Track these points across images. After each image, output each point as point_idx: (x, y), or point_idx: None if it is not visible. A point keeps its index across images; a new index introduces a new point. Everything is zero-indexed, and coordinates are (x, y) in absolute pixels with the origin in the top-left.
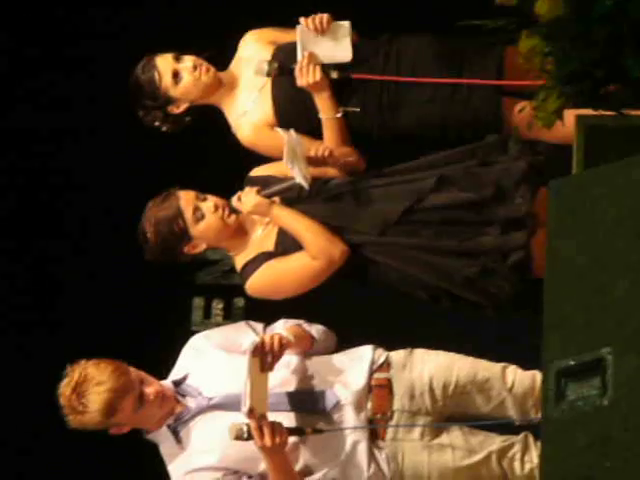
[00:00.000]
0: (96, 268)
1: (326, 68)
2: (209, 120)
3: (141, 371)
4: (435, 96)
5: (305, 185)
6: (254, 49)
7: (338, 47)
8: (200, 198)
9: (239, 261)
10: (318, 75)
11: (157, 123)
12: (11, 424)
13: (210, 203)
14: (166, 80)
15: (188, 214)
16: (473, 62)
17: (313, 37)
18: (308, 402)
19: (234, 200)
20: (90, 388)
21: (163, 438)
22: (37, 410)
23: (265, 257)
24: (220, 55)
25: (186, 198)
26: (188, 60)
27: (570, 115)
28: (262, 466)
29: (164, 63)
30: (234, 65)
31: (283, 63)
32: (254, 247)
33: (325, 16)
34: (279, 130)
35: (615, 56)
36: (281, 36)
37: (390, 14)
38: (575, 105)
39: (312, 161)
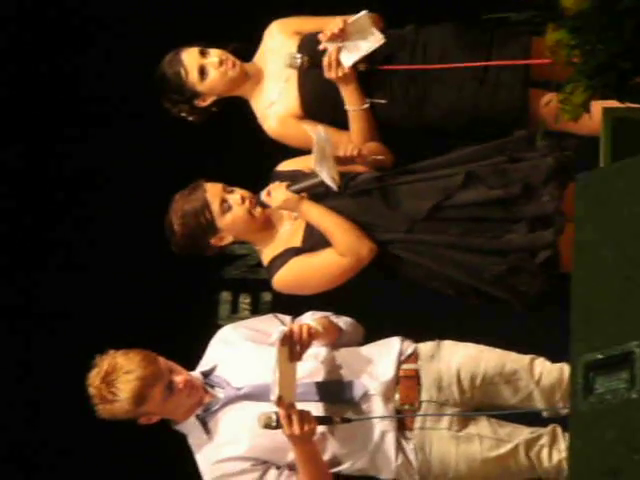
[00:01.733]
0: (125, 262)
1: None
2: (236, 112)
3: (170, 361)
4: (462, 87)
5: (334, 187)
6: (280, 40)
7: (367, 39)
8: (227, 190)
9: (266, 255)
10: (347, 68)
11: (183, 114)
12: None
13: (237, 195)
14: (192, 76)
15: (215, 206)
16: (500, 52)
17: (339, 43)
18: (336, 392)
19: (263, 195)
20: (119, 377)
21: (191, 428)
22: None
23: (292, 253)
24: (245, 47)
25: (213, 190)
26: (214, 55)
27: (597, 107)
28: (290, 457)
29: (190, 58)
30: (259, 56)
31: (313, 56)
32: (281, 242)
33: (338, 21)
34: (308, 128)
35: None
36: (306, 25)
37: (415, 6)
38: (602, 97)
39: (341, 160)
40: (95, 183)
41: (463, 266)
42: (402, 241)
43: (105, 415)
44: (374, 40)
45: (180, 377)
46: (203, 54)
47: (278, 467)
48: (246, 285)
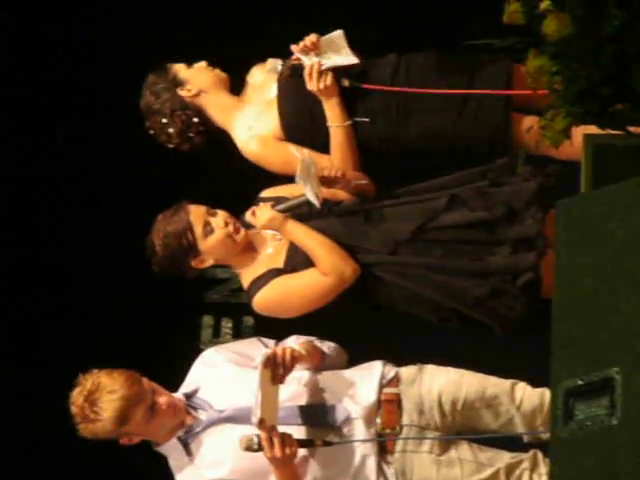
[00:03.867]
0: (106, 285)
1: (337, 75)
2: (217, 137)
3: (153, 382)
4: (444, 111)
5: (317, 204)
6: (262, 75)
7: (341, 56)
8: (210, 213)
9: (246, 278)
10: (329, 80)
11: (171, 144)
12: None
13: (220, 219)
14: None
15: (198, 228)
16: (482, 78)
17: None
18: (319, 416)
19: (248, 215)
20: (103, 396)
21: (173, 450)
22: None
23: (274, 274)
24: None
25: (196, 212)
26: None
27: (578, 133)
28: (269, 478)
29: None
30: (244, 93)
31: (295, 64)
32: (262, 265)
33: (312, 36)
34: (293, 149)
35: (622, 75)
36: None
37: (397, 33)
38: (583, 124)
39: (324, 181)
40: (77, 202)
41: (445, 288)
42: (385, 263)
43: (87, 434)
44: (348, 59)
45: (163, 398)
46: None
47: None
48: (228, 309)
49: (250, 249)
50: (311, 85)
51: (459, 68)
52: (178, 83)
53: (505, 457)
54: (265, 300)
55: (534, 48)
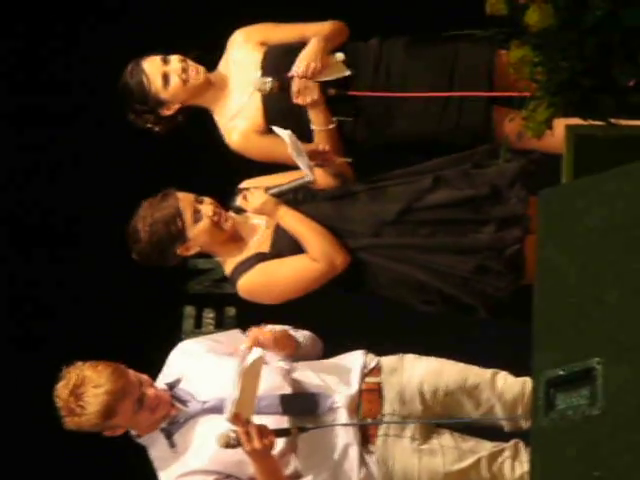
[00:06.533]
0: (87, 277)
1: (323, 85)
2: (199, 122)
3: (141, 373)
4: (427, 105)
5: (311, 176)
6: (244, 51)
7: (334, 70)
8: (198, 200)
9: (229, 265)
10: (316, 95)
11: (149, 125)
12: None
13: (208, 206)
14: (156, 84)
15: (187, 215)
16: (464, 70)
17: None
18: (302, 405)
19: (239, 199)
20: (88, 390)
21: (155, 441)
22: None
23: (259, 258)
24: (208, 55)
25: (185, 199)
26: (176, 61)
27: (560, 125)
28: (252, 470)
29: (152, 66)
30: (223, 66)
31: (282, 81)
32: (247, 251)
33: (317, 64)
34: (277, 130)
35: (604, 66)
36: (271, 34)
37: (379, 18)
38: (565, 115)
39: (312, 155)
40: (54, 196)
41: (431, 268)
42: (370, 246)
43: (72, 427)
44: (340, 72)
45: (151, 390)
46: (165, 62)
47: None
48: (210, 300)
49: (236, 238)
50: (298, 100)
51: (440, 60)
52: (159, 105)
53: (487, 446)
54: (250, 283)
55: (516, 39)
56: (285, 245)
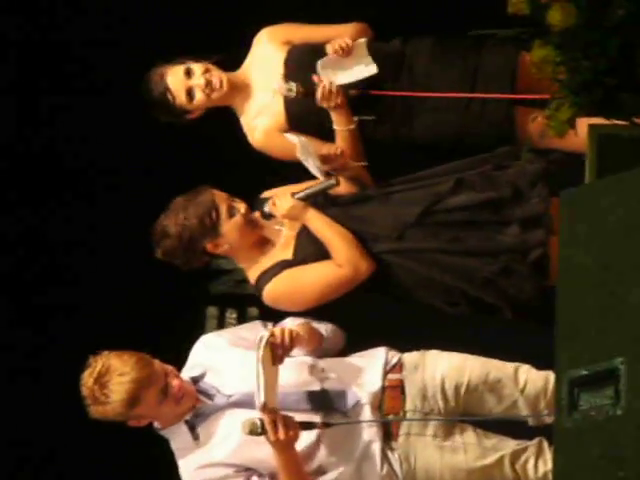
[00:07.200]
0: (111, 278)
1: (345, 87)
2: (228, 125)
3: (166, 364)
4: (449, 105)
5: (320, 177)
6: (269, 49)
7: (361, 66)
8: (232, 199)
9: (253, 272)
10: (340, 99)
11: (173, 120)
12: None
13: (242, 205)
14: (180, 98)
15: (223, 209)
16: (486, 71)
17: (334, 61)
18: (328, 401)
19: (269, 205)
20: (113, 379)
21: (178, 433)
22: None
23: (284, 265)
24: (230, 57)
25: (220, 195)
26: (199, 74)
27: (583, 124)
28: (272, 467)
29: (176, 81)
30: (248, 63)
31: (307, 86)
32: (269, 259)
33: (347, 40)
34: (288, 136)
35: (627, 65)
36: (296, 33)
37: (402, 19)
38: (587, 114)
39: (325, 159)
40: (81, 193)
41: (454, 270)
42: (393, 250)
43: (97, 415)
44: (368, 69)
45: (176, 381)
46: (189, 75)
47: (260, 475)
48: (233, 300)
49: (261, 244)
50: (322, 104)
51: (463, 60)
52: (184, 112)
53: (510, 444)
54: (276, 291)
55: (539, 38)
56: (309, 252)
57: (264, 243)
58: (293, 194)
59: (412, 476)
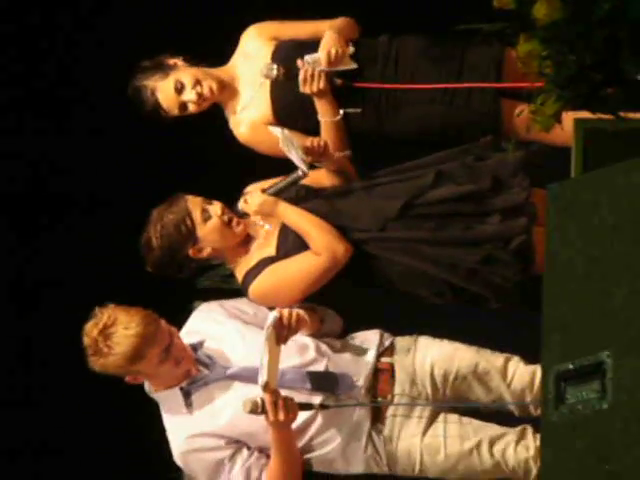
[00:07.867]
0: (96, 273)
1: (330, 76)
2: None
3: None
4: (434, 99)
5: (305, 169)
6: (256, 45)
7: (342, 62)
8: (206, 202)
9: (240, 272)
10: (322, 84)
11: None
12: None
13: (217, 206)
14: (172, 112)
15: (196, 214)
16: (472, 65)
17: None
18: (326, 382)
19: (240, 203)
20: (118, 331)
21: (171, 398)
22: None
23: (267, 262)
24: (218, 57)
25: (193, 200)
26: (189, 89)
27: (568, 118)
28: (262, 440)
29: (167, 98)
30: (235, 58)
31: (290, 67)
32: (254, 256)
33: (344, 47)
34: (271, 128)
35: (613, 59)
36: (284, 30)
37: (389, 15)
38: (573, 108)
39: (308, 151)
40: (69, 205)
41: (438, 261)
42: (376, 239)
43: (96, 368)
44: (347, 64)
45: (180, 342)
46: (179, 90)
47: (249, 448)
48: (219, 295)
49: (247, 242)
50: (305, 89)
51: (449, 55)
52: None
53: (491, 430)
54: (261, 288)
55: (524, 32)
56: (291, 246)
57: (249, 241)
58: (264, 190)
59: (394, 458)
